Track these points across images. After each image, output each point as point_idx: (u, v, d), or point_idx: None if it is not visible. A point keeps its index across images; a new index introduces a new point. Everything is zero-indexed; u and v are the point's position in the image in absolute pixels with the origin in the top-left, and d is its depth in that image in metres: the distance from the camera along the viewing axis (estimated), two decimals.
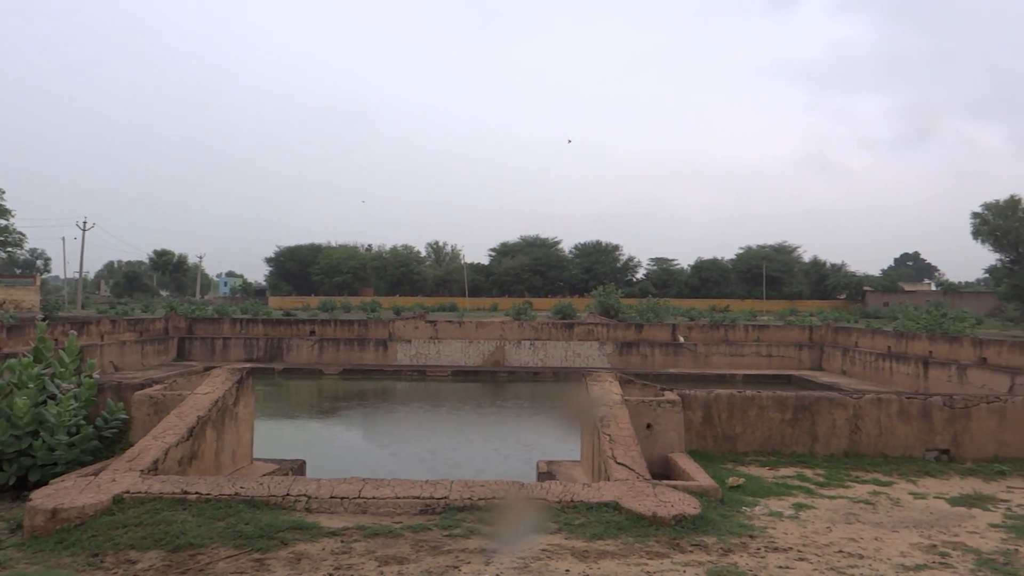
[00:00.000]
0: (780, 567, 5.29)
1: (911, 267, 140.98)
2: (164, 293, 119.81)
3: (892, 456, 9.47)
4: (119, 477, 6.70)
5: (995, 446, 9.52)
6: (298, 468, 9.63)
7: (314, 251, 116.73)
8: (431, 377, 27.31)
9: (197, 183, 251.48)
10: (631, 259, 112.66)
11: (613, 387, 9.55)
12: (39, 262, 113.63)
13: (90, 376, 8.93)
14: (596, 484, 6.99)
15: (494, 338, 30.45)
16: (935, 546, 5.98)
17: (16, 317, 33.55)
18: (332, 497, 6.38)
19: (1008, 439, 9.54)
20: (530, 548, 5.45)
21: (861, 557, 5.63)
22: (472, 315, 57.57)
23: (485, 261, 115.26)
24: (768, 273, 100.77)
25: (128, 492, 6.34)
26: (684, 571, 5.11)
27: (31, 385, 8.02)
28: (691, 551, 5.55)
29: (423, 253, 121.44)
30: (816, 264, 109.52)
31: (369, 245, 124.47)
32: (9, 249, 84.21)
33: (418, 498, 6.38)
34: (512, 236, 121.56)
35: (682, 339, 31.10)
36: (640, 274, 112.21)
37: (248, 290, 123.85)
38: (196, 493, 6.38)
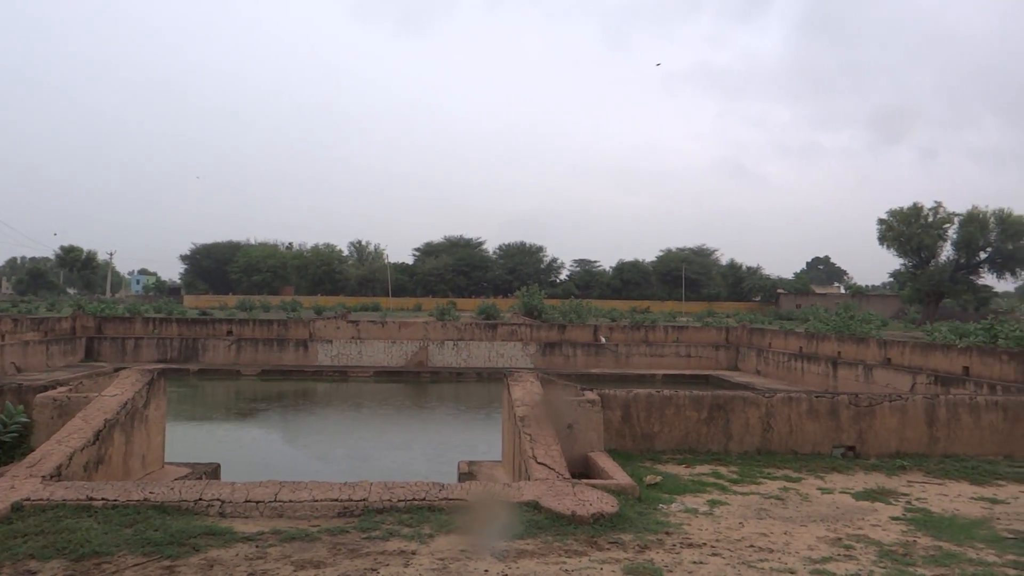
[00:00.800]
0: (694, 562, 5.42)
1: (822, 271, 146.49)
2: (72, 291, 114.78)
3: (802, 453, 9.81)
4: (18, 484, 6.39)
5: (897, 442, 9.98)
6: (212, 472, 9.37)
7: (232, 249, 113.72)
8: (353, 378, 26.97)
9: (108, 177, 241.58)
10: (555, 260, 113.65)
11: (534, 387, 9.62)
12: None
13: None
14: (516, 484, 7.03)
15: (417, 338, 30.29)
16: (840, 539, 6.22)
17: None
18: (247, 501, 6.23)
19: (909, 435, 10.01)
20: (449, 549, 5.43)
21: (771, 551, 5.81)
22: (395, 315, 57.11)
23: (409, 261, 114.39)
24: (687, 275, 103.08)
25: (28, 499, 6.06)
26: (601, 569, 5.18)
27: None
28: (608, 549, 5.63)
29: (345, 252, 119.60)
30: (733, 267, 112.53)
31: (290, 243, 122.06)
32: None
33: (336, 500, 6.29)
34: (436, 236, 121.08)
35: (604, 340, 31.56)
36: (563, 275, 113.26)
37: (162, 288, 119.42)
38: (102, 499, 6.14)
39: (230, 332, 30.13)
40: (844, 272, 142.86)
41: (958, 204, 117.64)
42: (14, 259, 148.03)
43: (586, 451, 9.07)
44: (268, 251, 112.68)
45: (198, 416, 20.17)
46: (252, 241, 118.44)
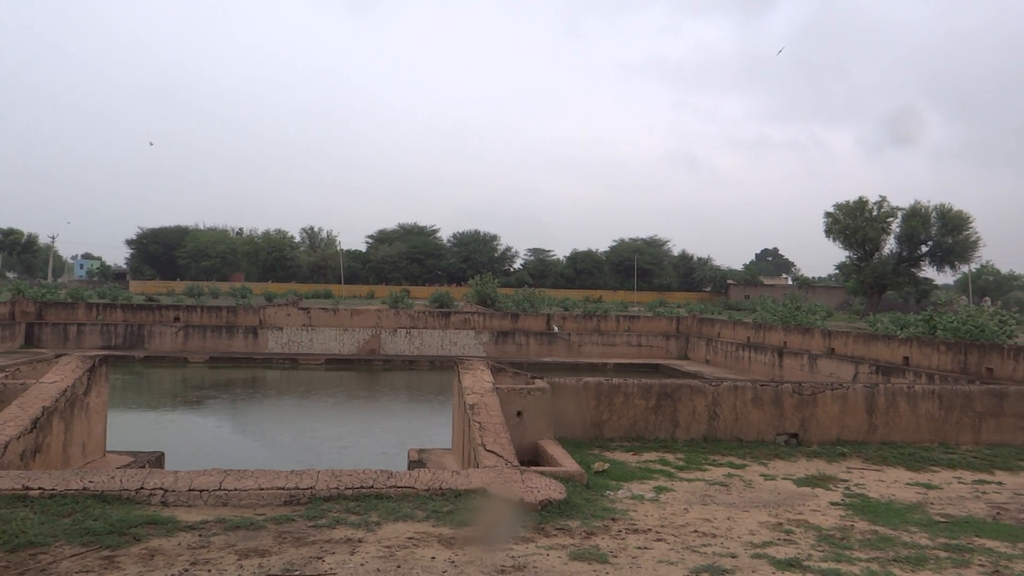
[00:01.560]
0: (639, 548, 5.50)
1: (770, 262, 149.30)
2: (11, 275, 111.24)
3: (747, 440, 10.01)
4: None
5: (838, 430, 10.24)
6: (156, 461, 9.20)
7: (180, 233, 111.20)
8: (303, 365, 26.70)
9: (50, 159, 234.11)
10: (509, 249, 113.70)
11: (484, 375, 9.63)
12: None
13: None
14: (465, 471, 7.04)
15: (370, 326, 30.10)
16: (781, 524, 6.37)
17: None
18: (191, 490, 6.13)
19: (849, 423, 10.28)
20: (396, 536, 5.42)
21: (714, 536, 5.93)
22: (348, 303, 56.58)
23: (362, 248, 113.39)
24: (639, 265, 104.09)
25: None
26: (548, 555, 5.22)
27: None
28: (555, 535, 5.68)
29: (297, 238, 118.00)
30: (684, 257, 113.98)
31: (240, 229, 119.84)
32: None
33: (283, 489, 6.23)
34: (390, 223, 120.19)
35: (556, 329, 31.73)
36: (517, 264, 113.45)
37: (107, 273, 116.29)
38: (39, 489, 5.98)
39: (177, 319, 29.56)
40: (792, 264, 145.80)
41: (902, 199, 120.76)
42: None
43: (536, 439, 9.12)
44: (218, 236, 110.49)
45: (143, 404, 19.77)
46: (201, 226, 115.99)
